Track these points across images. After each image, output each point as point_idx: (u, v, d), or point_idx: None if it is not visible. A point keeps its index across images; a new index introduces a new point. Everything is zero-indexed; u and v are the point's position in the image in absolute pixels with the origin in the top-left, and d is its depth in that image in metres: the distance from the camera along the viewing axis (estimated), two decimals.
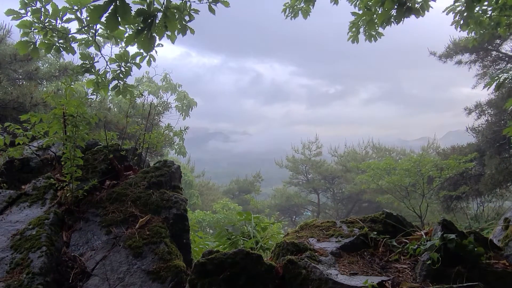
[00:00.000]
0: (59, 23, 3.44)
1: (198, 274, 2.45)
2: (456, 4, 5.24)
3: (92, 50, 3.99)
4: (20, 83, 10.06)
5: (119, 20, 2.46)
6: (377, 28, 5.15)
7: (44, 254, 2.79)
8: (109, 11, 2.43)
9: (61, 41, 3.58)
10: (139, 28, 2.87)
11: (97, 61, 3.95)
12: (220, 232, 4.16)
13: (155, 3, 2.86)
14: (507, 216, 3.09)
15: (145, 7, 2.82)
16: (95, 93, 4.29)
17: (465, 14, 5.22)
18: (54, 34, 3.50)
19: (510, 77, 3.93)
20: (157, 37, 3.03)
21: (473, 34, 5.96)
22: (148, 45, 2.99)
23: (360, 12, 5.00)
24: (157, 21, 2.89)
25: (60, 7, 3.33)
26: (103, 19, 2.50)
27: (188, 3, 3.27)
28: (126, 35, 3.08)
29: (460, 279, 2.30)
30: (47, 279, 2.67)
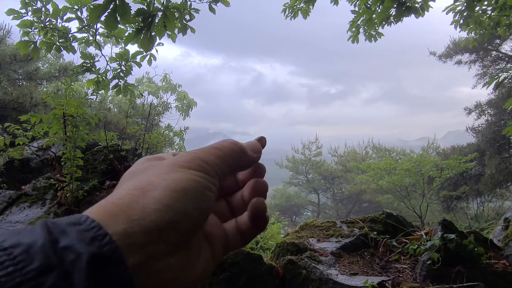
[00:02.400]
0: (60, 23, 3.45)
1: None
2: (456, 3, 5.25)
3: (92, 49, 3.99)
4: (20, 83, 10.06)
5: (119, 19, 2.46)
6: (376, 27, 5.14)
7: None
8: (109, 10, 2.43)
9: (61, 40, 3.59)
10: (139, 27, 2.86)
11: (98, 60, 3.95)
12: None
13: (155, 2, 2.85)
14: (507, 216, 3.09)
15: (145, 7, 2.82)
16: (95, 93, 4.29)
17: (464, 13, 5.22)
18: (54, 34, 3.50)
19: (510, 76, 3.93)
20: (157, 37, 3.03)
21: (473, 34, 5.96)
22: (148, 44, 2.99)
23: (360, 11, 5.00)
24: (157, 21, 2.89)
25: (60, 7, 3.34)
26: (102, 18, 2.50)
27: (189, 3, 3.26)
28: (126, 34, 3.08)
29: (460, 279, 2.30)
30: None
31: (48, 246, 0.26)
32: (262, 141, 0.49)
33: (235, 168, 0.42)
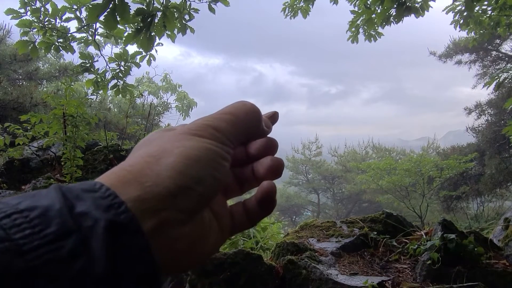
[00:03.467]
0: (59, 22, 3.44)
1: (198, 275, 2.45)
2: (456, 3, 5.24)
3: (92, 49, 3.98)
4: (20, 83, 10.06)
5: (118, 19, 2.46)
6: (376, 27, 5.14)
7: None
8: (108, 10, 2.43)
9: (60, 40, 3.58)
10: (138, 27, 2.86)
11: (97, 61, 3.95)
12: None
13: (154, 2, 2.85)
14: (507, 216, 3.08)
15: (144, 6, 2.81)
16: (95, 93, 4.29)
17: (464, 13, 5.22)
18: (53, 33, 3.49)
19: (510, 77, 3.93)
20: (157, 37, 3.02)
21: (473, 34, 5.96)
22: (147, 44, 2.98)
23: (360, 11, 5.00)
24: (156, 21, 2.88)
25: (59, 6, 3.33)
26: (101, 18, 2.49)
27: (188, 3, 3.26)
28: (126, 34, 3.07)
29: (460, 279, 2.29)
30: None
31: (65, 211, 0.25)
32: (274, 117, 0.46)
33: (251, 135, 0.41)
